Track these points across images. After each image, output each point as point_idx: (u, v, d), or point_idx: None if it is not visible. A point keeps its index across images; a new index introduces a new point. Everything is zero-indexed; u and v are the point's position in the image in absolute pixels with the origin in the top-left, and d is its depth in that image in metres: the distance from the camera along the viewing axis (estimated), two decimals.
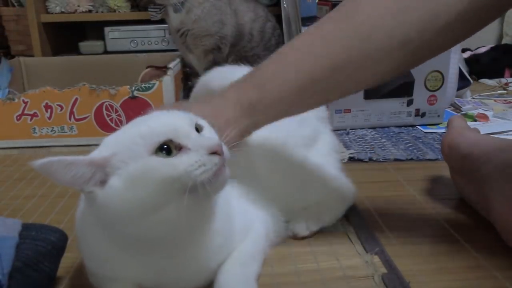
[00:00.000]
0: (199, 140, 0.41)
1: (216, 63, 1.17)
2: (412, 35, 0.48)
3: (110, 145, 0.42)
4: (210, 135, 0.43)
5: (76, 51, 1.53)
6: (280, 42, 1.27)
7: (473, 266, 0.52)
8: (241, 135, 0.51)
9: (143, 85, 0.99)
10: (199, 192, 0.39)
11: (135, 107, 0.99)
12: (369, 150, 0.92)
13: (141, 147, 0.40)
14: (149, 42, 1.48)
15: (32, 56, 1.48)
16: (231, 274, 0.46)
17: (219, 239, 0.46)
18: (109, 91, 0.98)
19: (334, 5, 1.02)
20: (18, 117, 0.98)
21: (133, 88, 0.98)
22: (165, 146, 0.40)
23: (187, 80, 1.25)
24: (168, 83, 0.99)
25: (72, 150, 0.98)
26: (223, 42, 1.16)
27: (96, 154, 0.42)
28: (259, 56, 1.20)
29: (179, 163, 0.39)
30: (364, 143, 0.98)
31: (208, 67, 1.17)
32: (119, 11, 1.48)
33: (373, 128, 1.08)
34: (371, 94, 1.07)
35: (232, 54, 1.19)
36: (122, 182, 0.39)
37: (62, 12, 1.47)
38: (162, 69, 1.38)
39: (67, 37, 1.60)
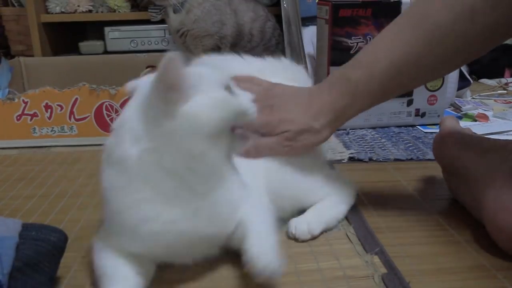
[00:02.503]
0: (242, 92, 0.51)
1: None
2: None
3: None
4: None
5: (76, 51, 1.53)
6: (280, 42, 1.27)
7: (473, 266, 0.52)
8: (336, 119, 0.61)
9: None
10: (235, 137, 0.50)
11: None
12: (369, 150, 0.92)
13: (218, 81, 0.48)
14: (149, 42, 1.48)
15: (32, 56, 1.48)
16: (262, 244, 0.48)
17: (239, 191, 0.51)
18: (109, 91, 0.98)
19: (334, 5, 1.02)
20: (18, 117, 0.98)
21: None
22: (227, 87, 0.49)
23: None
24: None
25: (72, 150, 0.98)
26: (223, 42, 1.16)
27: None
28: (259, 56, 1.20)
29: (242, 100, 0.50)
30: (364, 143, 0.98)
31: None
32: (119, 11, 1.49)
33: (373, 128, 1.08)
34: None
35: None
36: (202, 103, 0.46)
37: (62, 12, 1.47)
38: None
39: (67, 37, 1.60)
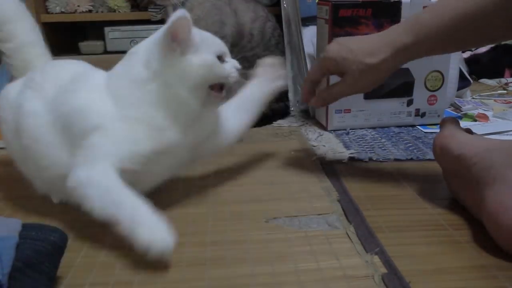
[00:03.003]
0: (233, 61, 0.67)
1: None
2: None
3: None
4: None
5: (76, 51, 1.53)
6: (280, 42, 1.27)
7: (473, 266, 0.52)
8: (396, 54, 0.66)
9: None
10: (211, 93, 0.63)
11: None
12: (369, 150, 0.92)
13: (213, 47, 0.65)
14: None
15: None
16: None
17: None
18: None
19: (334, 5, 1.02)
20: None
21: None
22: (220, 56, 0.64)
23: None
24: None
25: None
26: (222, 42, 1.16)
27: None
28: (259, 56, 1.19)
29: (226, 68, 0.64)
30: (364, 143, 0.98)
31: None
32: (119, 11, 1.49)
33: (373, 128, 1.08)
34: (371, 94, 1.07)
35: (232, 54, 1.18)
36: (195, 62, 0.60)
37: (62, 12, 1.47)
38: None
39: (67, 37, 1.60)
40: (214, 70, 0.62)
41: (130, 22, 1.50)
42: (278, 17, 1.31)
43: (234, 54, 1.20)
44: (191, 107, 0.62)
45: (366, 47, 0.68)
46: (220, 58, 0.64)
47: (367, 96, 1.07)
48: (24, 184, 0.80)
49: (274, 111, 1.19)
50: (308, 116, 1.21)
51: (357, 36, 0.76)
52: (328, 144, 0.97)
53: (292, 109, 1.25)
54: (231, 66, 0.66)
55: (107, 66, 1.34)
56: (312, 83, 0.78)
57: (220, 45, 0.67)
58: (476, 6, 0.59)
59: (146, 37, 1.51)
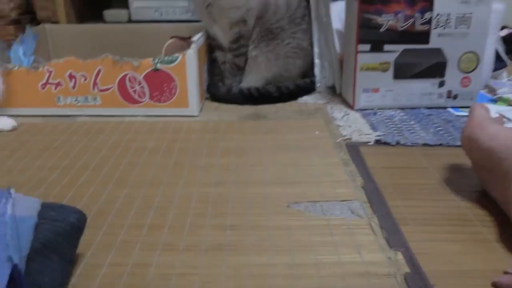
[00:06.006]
0: None
1: (241, 36, 1.14)
2: None
3: None
4: None
5: (101, 18, 1.51)
6: (306, 15, 1.22)
7: (502, 269, 0.50)
8: None
9: (166, 58, 0.97)
10: None
11: (158, 79, 0.97)
12: (397, 133, 0.89)
13: None
14: (174, 12, 1.45)
15: (57, 23, 1.47)
16: None
17: None
18: (132, 63, 0.97)
19: None
20: (43, 86, 0.98)
21: (156, 60, 0.97)
22: None
23: (211, 53, 1.22)
24: (191, 56, 0.97)
25: (96, 120, 0.97)
26: (249, 14, 1.13)
27: None
28: (284, 29, 1.16)
29: None
30: (392, 124, 0.95)
31: (234, 40, 1.14)
32: None
33: (402, 109, 1.05)
34: (401, 73, 1.03)
35: (257, 26, 1.15)
36: None
37: None
38: (186, 40, 1.36)
39: (92, 4, 1.58)
40: None
41: None
42: None
43: (259, 27, 1.18)
44: None
45: None
46: None
47: (397, 76, 1.03)
48: (48, 155, 0.80)
49: (299, 86, 1.16)
50: (334, 93, 1.17)
51: None
52: (354, 125, 0.95)
53: (318, 85, 1.21)
54: None
55: (130, 36, 1.33)
56: None
57: None
58: None
59: (170, 7, 1.48)
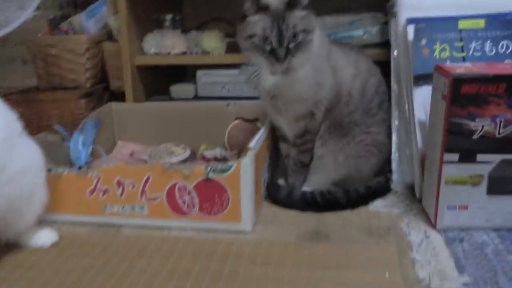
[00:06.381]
0: None
1: (307, 130, 1.02)
2: None
3: None
4: None
5: (168, 93, 1.48)
6: (384, 102, 1.08)
7: None
8: None
9: (219, 167, 0.88)
10: None
11: (210, 190, 0.88)
12: (491, 278, 0.72)
13: None
14: (241, 89, 1.38)
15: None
16: None
17: None
18: (183, 172, 0.89)
19: (454, 80, 0.81)
20: (91, 192, 0.93)
21: (208, 169, 0.88)
22: None
23: (274, 143, 1.12)
24: (247, 166, 0.87)
25: (141, 233, 0.90)
26: (317, 107, 1.01)
27: None
28: (357, 123, 1.03)
29: None
30: (483, 260, 0.77)
31: (299, 134, 1.03)
32: (212, 54, 1.40)
33: (497, 230, 0.86)
34: (497, 188, 0.85)
35: (326, 120, 1.03)
36: None
37: (156, 54, 1.43)
38: (252, 122, 1.27)
39: (160, 78, 1.57)
40: None
41: (224, 66, 1.41)
42: (384, 66, 1.12)
43: (328, 121, 1.05)
44: None
45: None
46: None
47: (492, 191, 0.85)
48: (94, 273, 0.73)
49: (371, 189, 1.02)
50: (413, 197, 1.01)
51: None
52: (434, 259, 0.78)
53: (394, 184, 1.05)
54: None
55: (195, 114, 1.27)
56: None
57: None
58: None
59: (238, 83, 1.41)
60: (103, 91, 1.69)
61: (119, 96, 1.55)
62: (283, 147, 1.10)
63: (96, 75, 1.70)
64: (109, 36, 1.65)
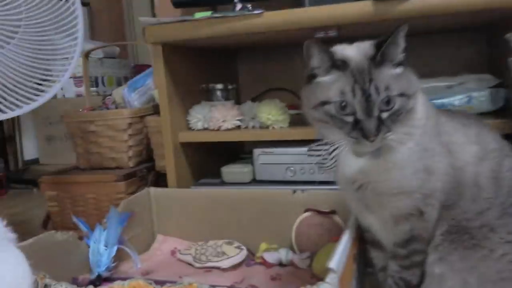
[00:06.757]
0: None
1: (414, 236, 0.69)
2: None
3: None
4: None
5: (219, 176, 1.22)
6: None
7: None
8: None
9: None
10: None
11: None
12: None
13: None
14: (311, 171, 1.08)
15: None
16: None
17: None
18: None
19: None
20: None
21: None
22: None
23: (363, 252, 0.79)
24: None
25: None
26: (428, 202, 0.69)
27: None
28: (493, 228, 0.69)
29: None
30: None
31: (402, 242, 0.71)
32: (273, 127, 1.13)
33: None
34: None
35: (443, 222, 0.70)
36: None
37: (204, 129, 1.19)
38: (327, 215, 0.97)
39: (210, 158, 1.33)
40: None
41: (287, 143, 1.13)
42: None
43: (446, 223, 0.71)
44: None
45: None
46: None
47: None
48: None
49: None
50: None
51: None
52: None
53: None
54: None
55: (249, 203, 0.98)
56: None
57: None
58: None
59: (307, 164, 1.09)
60: (148, 171, 1.47)
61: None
62: (376, 256, 0.79)
63: (141, 153, 1.50)
64: (156, 110, 1.46)
